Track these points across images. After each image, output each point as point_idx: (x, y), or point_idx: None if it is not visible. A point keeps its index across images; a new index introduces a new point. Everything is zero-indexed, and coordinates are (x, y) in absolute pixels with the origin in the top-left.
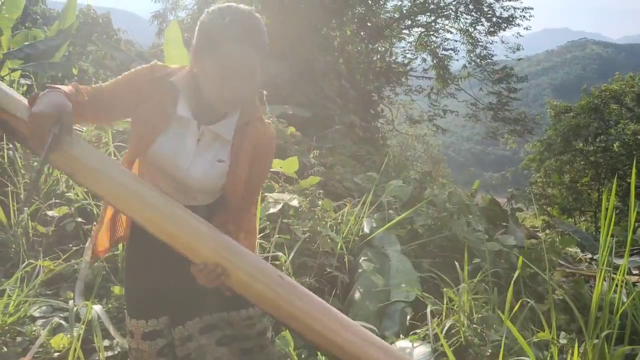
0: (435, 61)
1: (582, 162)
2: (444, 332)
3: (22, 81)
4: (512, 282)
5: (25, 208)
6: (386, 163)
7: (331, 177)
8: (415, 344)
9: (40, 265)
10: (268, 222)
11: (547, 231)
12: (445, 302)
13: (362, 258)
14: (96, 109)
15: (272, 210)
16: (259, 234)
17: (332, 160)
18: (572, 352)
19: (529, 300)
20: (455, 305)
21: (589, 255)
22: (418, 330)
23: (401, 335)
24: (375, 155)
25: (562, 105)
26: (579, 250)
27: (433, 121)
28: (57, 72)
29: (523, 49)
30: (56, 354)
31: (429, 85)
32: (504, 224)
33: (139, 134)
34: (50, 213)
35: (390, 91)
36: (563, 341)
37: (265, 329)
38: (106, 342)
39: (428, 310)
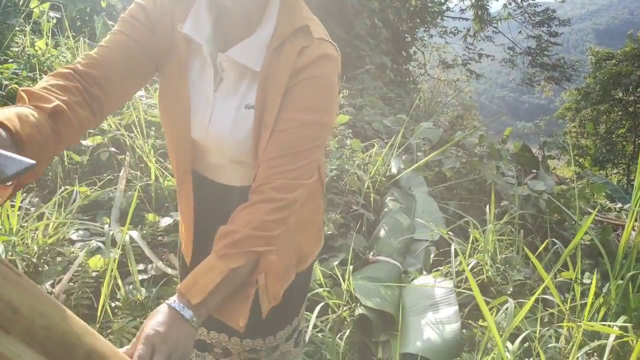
0: (473, 0)
1: (620, 113)
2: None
3: (52, 14)
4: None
5: None
6: (416, 106)
7: (360, 118)
8: (437, 280)
9: (76, 191)
10: None
11: (578, 182)
12: (470, 242)
13: (389, 198)
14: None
15: None
16: None
17: (362, 102)
18: (591, 289)
19: (555, 241)
20: (480, 246)
21: (619, 205)
22: (441, 267)
23: (424, 272)
24: (405, 98)
25: (604, 52)
26: (608, 201)
27: (467, 66)
28: (86, 5)
29: None
30: (94, 273)
31: (465, 27)
32: (534, 170)
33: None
34: (84, 142)
35: (425, 32)
36: (586, 281)
37: None
38: (140, 266)
39: (452, 248)
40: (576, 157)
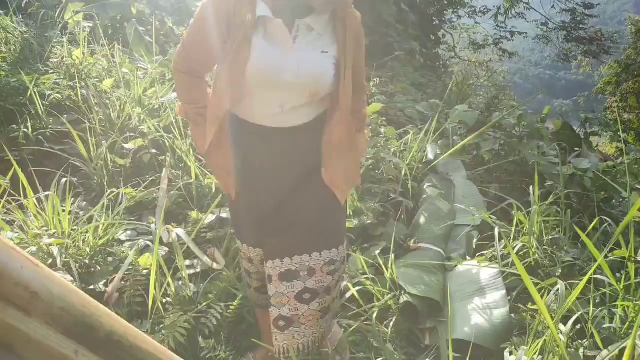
0: None
1: None
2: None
3: (85, 24)
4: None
5: (103, 142)
6: (449, 90)
7: (392, 105)
8: (482, 265)
9: (122, 193)
10: None
11: (621, 159)
12: (514, 225)
13: (427, 184)
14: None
15: None
16: None
17: (393, 89)
18: None
19: (604, 219)
20: (525, 228)
21: None
22: (485, 252)
23: (467, 258)
24: (437, 83)
25: None
26: None
27: (499, 45)
28: (117, 13)
29: None
30: (144, 271)
31: (495, 5)
32: (577, 148)
33: (228, 62)
34: (126, 146)
35: (453, 14)
36: None
37: (341, 277)
38: (187, 262)
39: (496, 232)
40: (619, 133)
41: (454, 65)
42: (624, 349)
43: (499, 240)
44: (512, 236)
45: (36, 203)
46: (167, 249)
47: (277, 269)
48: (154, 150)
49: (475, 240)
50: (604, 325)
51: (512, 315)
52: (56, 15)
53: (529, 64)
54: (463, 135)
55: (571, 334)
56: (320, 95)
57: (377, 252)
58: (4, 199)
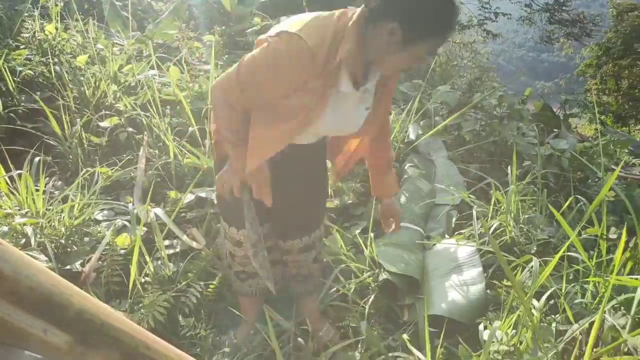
0: None
1: None
2: (490, 232)
3: None
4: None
5: (77, 120)
6: (432, 70)
7: None
8: (460, 243)
9: (98, 172)
10: None
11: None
12: (492, 204)
13: (408, 164)
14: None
15: None
16: None
17: None
18: (620, 243)
19: (579, 198)
20: (502, 207)
21: None
22: (463, 231)
23: (446, 236)
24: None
25: (626, 4)
26: (631, 157)
27: (483, 26)
28: None
29: None
30: (122, 251)
31: None
32: (556, 129)
33: (295, 113)
34: (102, 124)
35: None
36: (613, 236)
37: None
38: (166, 242)
39: (474, 211)
40: (598, 115)
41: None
42: (592, 323)
43: (477, 219)
44: (490, 215)
45: (9, 182)
46: (145, 228)
47: (296, 245)
48: (130, 129)
49: (454, 219)
50: (576, 301)
51: (488, 291)
52: None
53: (513, 45)
54: (445, 115)
55: (544, 309)
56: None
57: (358, 231)
58: None
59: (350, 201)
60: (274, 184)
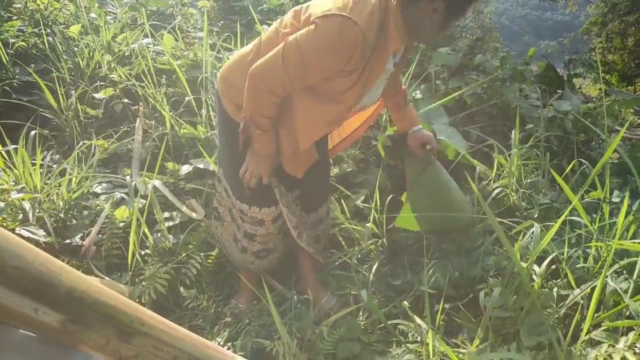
0: None
1: None
2: (492, 195)
3: None
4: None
5: (72, 92)
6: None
7: None
8: None
9: (95, 145)
10: None
11: (606, 99)
12: (494, 168)
13: None
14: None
15: None
16: None
17: None
18: (623, 207)
19: (582, 162)
20: (505, 171)
21: None
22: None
23: None
24: None
25: None
26: (637, 118)
27: None
28: None
29: None
30: (121, 224)
31: None
32: (560, 90)
33: (347, 94)
34: (97, 95)
35: None
36: (616, 199)
37: None
38: (166, 214)
39: (476, 173)
40: (603, 74)
41: None
42: (594, 288)
43: (478, 182)
44: (492, 179)
45: (5, 157)
46: (144, 200)
47: (316, 217)
48: (126, 100)
49: None
50: (578, 265)
51: (489, 257)
52: None
53: (516, 4)
54: (445, 79)
55: (546, 274)
56: None
57: (361, 199)
58: None
59: (349, 169)
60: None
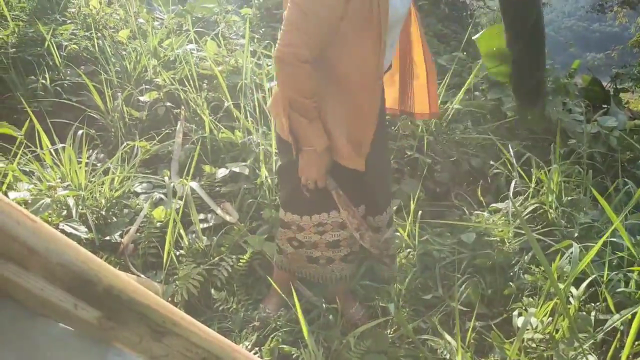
0: None
1: None
2: (527, 211)
3: None
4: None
5: (119, 94)
6: (474, 42)
7: None
8: (493, 218)
9: (137, 146)
10: None
11: None
12: (532, 183)
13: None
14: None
15: None
16: None
17: None
18: None
19: (627, 181)
20: (544, 187)
21: None
22: (500, 206)
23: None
24: (462, 34)
25: None
26: None
27: None
28: None
29: None
30: (158, 224)
31: None
32: (605, 105)
33: (368, 22)
34: (142, 98)
35: None
36: None
37: None
38: (201, 216)
39: (511, 187)
40: None
41: (483, 16)
42: (635, 313)
43: (515, 197)
44: (530, 194)
45: (54, 155)
46: (180, 202)
47: (384, 220)
48: (168, 103)
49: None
50: (618, 290)
51: (525, 276)
52: None
53: (562, 14)
54: (485, 90)
55: (583, 297)
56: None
57: (394, 208)
58: (21, 150)
59: None
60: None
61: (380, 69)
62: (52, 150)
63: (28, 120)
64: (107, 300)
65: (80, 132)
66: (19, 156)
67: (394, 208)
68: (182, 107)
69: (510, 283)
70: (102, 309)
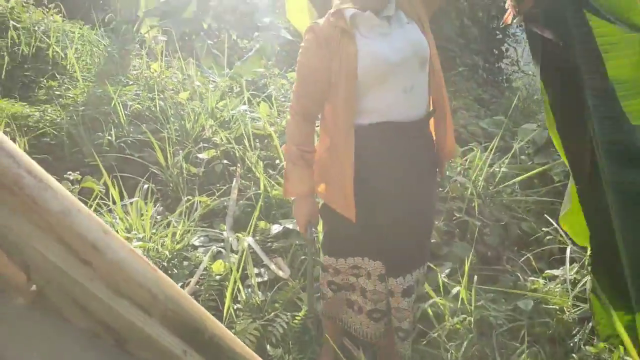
0: None
1: None
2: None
3: (160, 38)
4: None
5: (180, 151)
6: (514, 106)
7: (455, 122)
8: (550, 285)
9: (198, 201)
10: None
11: None
12: (589, 251)
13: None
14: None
15: None
16: None
17: (456, 105)
18: None
19: None
20: None
21: None
22: (556, 273)
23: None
24: (500, 98)
25: None
26: None
27: None
28: (188, 28)
29: None
30: (217, 277)
31: None
32: None
33: (341, 68)
34: (200, 155)
35: (517, 27)
36: None
37: None
38: (255, 270)
39: (567, 251)
40: None
41: (518, 80)
42: None
43: (571, 263)
44: (586, 261)
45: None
46: (235, 255)
47: (400, 286)
48: (225, 161)
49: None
50: None
51: (586, 347)
52: (134, 29)
53: None
54: (531, 155)
55: None
56: (426, 59)
57: (447, 271)
58: (96, 202)
59: (433, 240)
60: (376, 195)
61: (350, 114)
62: (120, 204)
63: (103, 176)
64: (211, 347)
65: (145, 186)
66: (93, 208)
67: (446, 271)
68: (238, 165)
69: (573, 355)
70: (206, 355)
